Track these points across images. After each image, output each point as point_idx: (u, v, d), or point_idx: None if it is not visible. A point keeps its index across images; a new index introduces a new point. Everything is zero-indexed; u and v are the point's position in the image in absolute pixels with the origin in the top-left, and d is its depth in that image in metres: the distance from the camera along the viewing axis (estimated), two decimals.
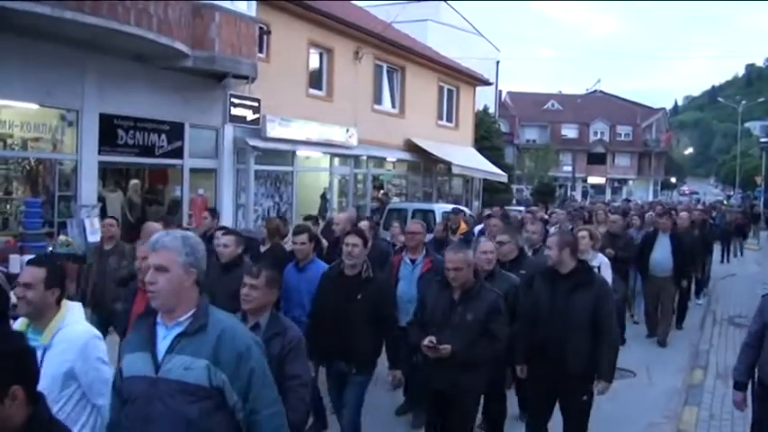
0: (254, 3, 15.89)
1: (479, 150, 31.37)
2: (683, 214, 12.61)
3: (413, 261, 7.20)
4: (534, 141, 67.71)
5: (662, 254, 10.91)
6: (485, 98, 38.26)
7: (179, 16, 13.54)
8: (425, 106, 26.06)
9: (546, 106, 77.74)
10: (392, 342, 6.08)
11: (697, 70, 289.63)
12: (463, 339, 5.12)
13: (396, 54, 23.66)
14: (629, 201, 34.86)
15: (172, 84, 14.89)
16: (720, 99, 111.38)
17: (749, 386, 5.37)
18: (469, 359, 5.15)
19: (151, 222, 8.69)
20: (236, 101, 15.76)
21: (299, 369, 4.15)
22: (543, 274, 5.76)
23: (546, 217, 15.14)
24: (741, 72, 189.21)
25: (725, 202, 47.83)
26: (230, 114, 15.66)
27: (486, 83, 31.46)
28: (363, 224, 9.17)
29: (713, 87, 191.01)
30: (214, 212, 11.19)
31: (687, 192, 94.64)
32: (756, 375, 5.26)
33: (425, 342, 5.10)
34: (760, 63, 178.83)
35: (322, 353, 5.88)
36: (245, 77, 15.79)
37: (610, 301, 5.60)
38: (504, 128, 62.94)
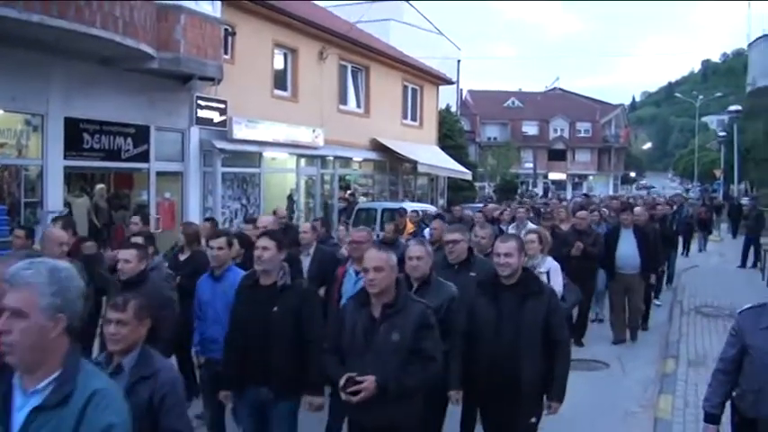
0: (219, 4, 15.80)
1: (443, 149, 31.52)
2: (638, 209, 12.27)
3: (358, 273, 5.95)
4: (495, 139, 68.28)
5: (627, 250, 10.56)
6: (446, 97, 38.45)
7: (144, 18, 13.43)
8: (390, 105, 26.16)
9: (506, 104, 78.41)
10: (315, 362, 4.86)
11: (654, 67, 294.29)
12: (390, 365, 4.25)
13: (360, 54, 23.70)
14: (588, 196, 34.96)
15: (137, 86, 14.75)
16: (677, 94, 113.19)
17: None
18: (401, 388, 4.25)
19: (52, 230, 7.37)
20: (202, 103, 15.67)
21: (175, 423, 3.38)
22: (482, 284, 5.13)
23: (496, 216, 14.43)
24: (697, 68, 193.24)
25: (684, 195, 48.51)
26: (197, 117, 15.56)
27: (449, 82, 31.69)
28: (306, 226, 8.79)
29: (670, 83, 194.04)
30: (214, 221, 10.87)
31: (644, 186, 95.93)
32: (734, 406, 4.53)
33: (341, 382, 4.22)
34: (716, 59, 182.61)
35: (237, 379, 5.10)
36: (211, 79, 15.71)
37: (561, 311, 5.18)
38: (465, 126, 63.44)
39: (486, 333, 4.86)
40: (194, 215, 16.49)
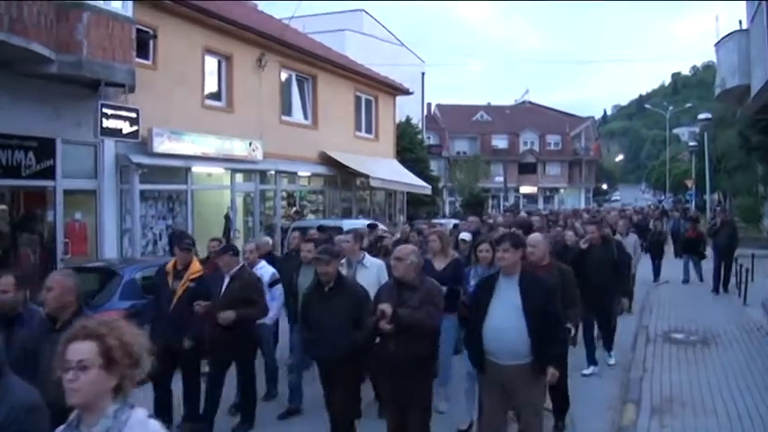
0: (130, 2, 14.18)
1: (403, 162, 30.09)
2: (590, 227, 10.39)
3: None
4: (465, 153, 67.13)
5: (503, 319, 8.66)
6: (409, 109, 37.13)
7: (37, 15, 11.83)
8: (341, 117, 24.58)
9: (475, 118, 77.57)
10: None
11: (624, 80, 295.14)
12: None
13: (305, 62, 22.14)
14: (513, 210, 32.46)
15: (39, 94, 13.18)
16: (648, 106, 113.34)
17: None
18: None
19: None
20: (108, 111, 13.90)
21: None
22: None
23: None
24: (668, 81, 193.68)
25: (665, 206, 47.34)
26: (102, 127, 13.76)
27: (406, 92, 30.09)
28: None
29: (640, 96, 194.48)
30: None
31: (605, 200, 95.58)
32: None
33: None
34: (686, 72, 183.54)
35: None
36: (122, 85, 14.05)
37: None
38: (433, 140, 62.48)
39: None
40: (110, 238, 14.85)
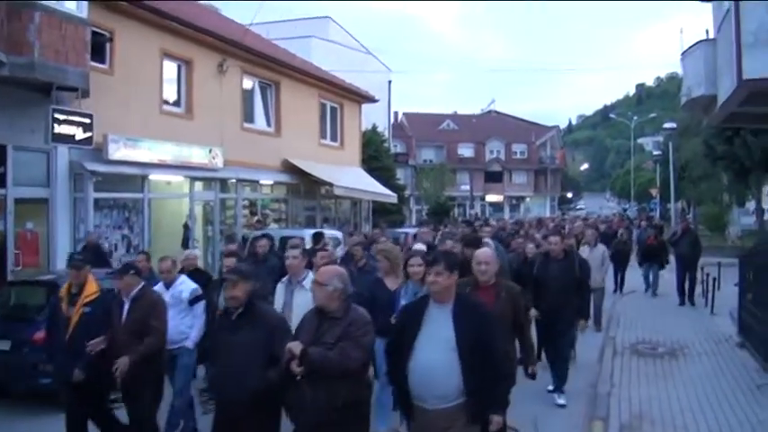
0: (86, 3, 13.68)
1: (368, 171, 29.74)
2: (553, 238, 9.09)
3: None
4: (431, 161, 67.02)
5: (430, 358, 7.96)
6: (376, 117, 36.85)
7: None
8: (305, 124, 24.14)
9: (442, 126, 77.59)
10: None
11: (589, 91, 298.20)
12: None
13: (268, 68, 21.69)
14: (471, 223, 32.07)
15: None
16: (612, 116, 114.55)
17: None
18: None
19: None
20: (60, 117, 13.33)
21: None
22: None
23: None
24: (632, 92, 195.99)
25: (628, 215, 47.49)
26: (53, 133, 13.19)
27: (372, 100, 29.78)
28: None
29: (605, 106, 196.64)
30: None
31: (579, 207, 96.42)
32: None
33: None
34: (650, 83, 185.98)
35: None
36: (75, 89, 13.54)
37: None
38: (400, 148, 62.39)
39: None
40: (63, 248, 14.25)
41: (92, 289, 6.74)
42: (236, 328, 5.19)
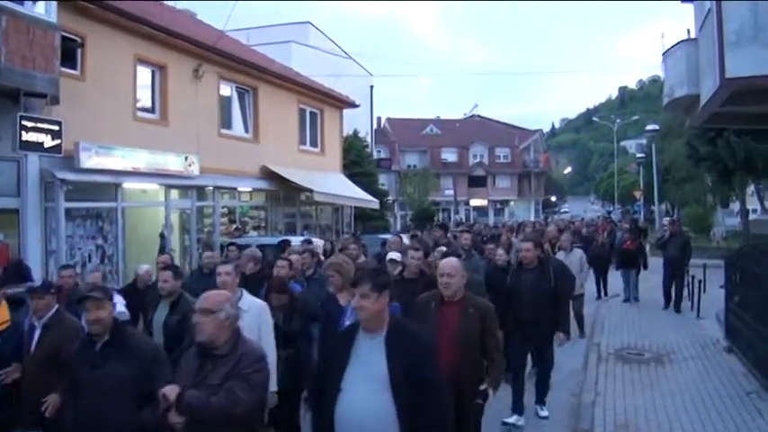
0: (55, 6, 13.32)
1: (350, 176, 29.41)
2: (524, 245, 8.17)
3: None
4: (415, 166, 66.83)
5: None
6: (357, 122, 36.56)
7: None
8: (284, 130, 23.80)
9: (425, 131, 77.56)
10: None
11: (572, 94, 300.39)
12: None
13: (245, 73, 21.33)
14: (445, 226, 31.63)
15: None
16: (596, 119, 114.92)
17: None
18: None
19: None
20: (28, 124, 12.94)
21: None
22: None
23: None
24: (615, 94, 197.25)
25: (613, 218, 47.30)
26: (21, 141, 12.81)
27: (353, 105, 29.46)
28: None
29: (588, 110, 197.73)
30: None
31: (563, 210, 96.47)
32: None
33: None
34: (632, 86, 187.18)
35: None
36: (44, 95, 13.15)
37: None
38: (384, 154, 62.23)
39: None
40: (34, 260, 13.84)
41: (2, 317, 6.00)
42: (101, 361, 4.39)
